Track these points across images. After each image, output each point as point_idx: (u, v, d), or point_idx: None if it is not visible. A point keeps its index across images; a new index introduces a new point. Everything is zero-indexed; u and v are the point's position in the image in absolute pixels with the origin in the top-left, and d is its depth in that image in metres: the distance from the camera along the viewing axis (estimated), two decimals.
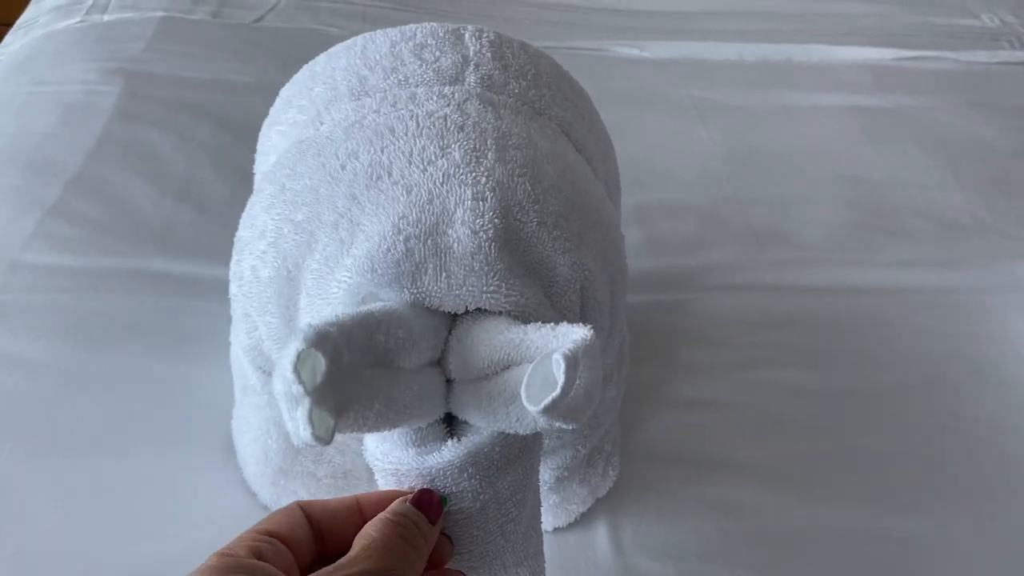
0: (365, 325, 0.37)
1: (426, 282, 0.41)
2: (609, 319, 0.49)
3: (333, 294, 0.42)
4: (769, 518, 0.60)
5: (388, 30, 0.56)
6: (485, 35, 0.55)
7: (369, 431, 0.39)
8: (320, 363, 0.34)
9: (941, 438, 0.67)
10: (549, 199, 0.45)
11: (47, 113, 0.91)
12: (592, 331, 0.38)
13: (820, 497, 0.62)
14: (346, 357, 0.36)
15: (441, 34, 0.55)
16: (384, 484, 0.43)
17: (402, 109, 0.48)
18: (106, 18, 1.09)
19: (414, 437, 0.43)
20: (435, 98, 0.49)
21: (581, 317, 0.47)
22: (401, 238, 0.41)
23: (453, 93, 0.50)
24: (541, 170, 0.46)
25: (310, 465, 0.56)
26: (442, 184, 0.43)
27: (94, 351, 0.67)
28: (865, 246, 0.85)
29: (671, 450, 0.65)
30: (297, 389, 0.33)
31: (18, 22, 1.17)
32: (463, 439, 0.42)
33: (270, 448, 0.55)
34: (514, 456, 0.43)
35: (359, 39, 0.56)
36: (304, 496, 0.56)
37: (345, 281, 0.41)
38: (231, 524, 0.56)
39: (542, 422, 0.39)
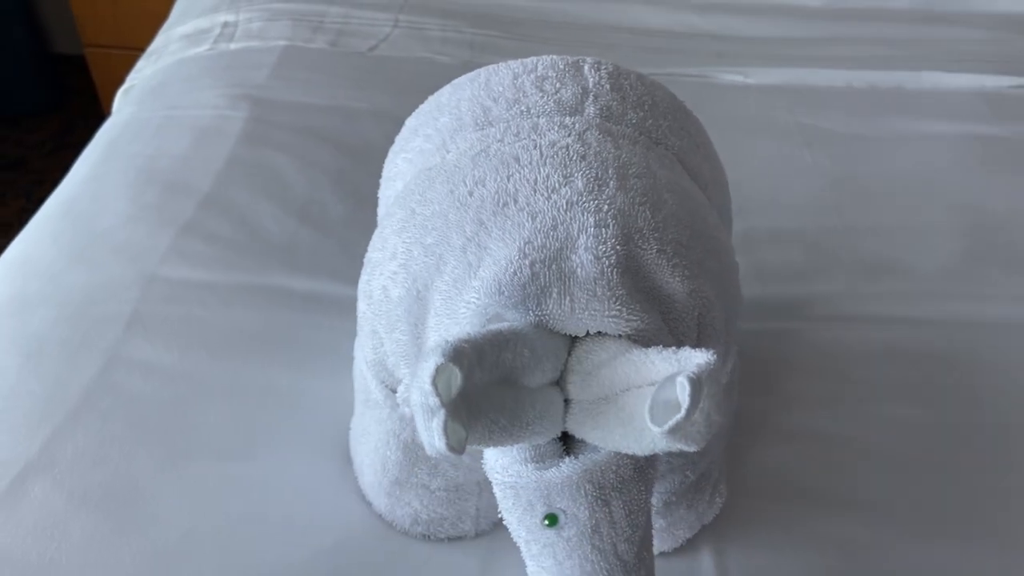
0: (494, 343, 0.39)
1: (551, 305, 0.43)
2: (724, 346, 0.50)
3: (461, 314, 0.44)
4: (882, 555, 0.60)
5: (510, 63, 0.58)
6: (604, 67, 0.57)
7: (494, 445, 0.41)
8: (456, 377, 0.36)
9: None
10: (668, 227, 0.46)
11: (180, 136, 0.98)
12: (715, 355, 0.39)
13: (936, 535, 0.61)
14: (477, 373, 0.38)
15: (561, 66, 0.57)
16: (502, 497, 0.45)
17: (525, 139, 0.51)
18: (233, 47, 1.15)
19: (533, 453, 0.45)
20: (556, 128, 0.51)
21: (698, 343, 0.48)
22: (527, 262, 0.43)
23: (574, 123, 0.52)
24: (660, 198, 0.48)
25: (425, 478, 0.58)
26: (566, 211, 0.45)
27: (223, 361, 0.71)
28: (980, 279, 0.83)
29: (778, 481, 0.65)
30: (434, 401, 0.36)
31: (149, 49, 1.25)
32: (580, 456, 0.44)
33: (388, 459, 0.58)
34: (628, 477, 0.44)
35: (483, 71, 0.58)
36: (417, 506, 0.59)
37: (473, 302, 0.44)
38: (348, 532, 0.60)
39: (663, 444, 0.40)
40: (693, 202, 0.51)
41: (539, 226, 0.45)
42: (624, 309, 0.43)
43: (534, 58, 0.58)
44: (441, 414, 0.36)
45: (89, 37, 1.83)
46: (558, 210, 0.45)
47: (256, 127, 0.99)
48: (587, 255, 0.44)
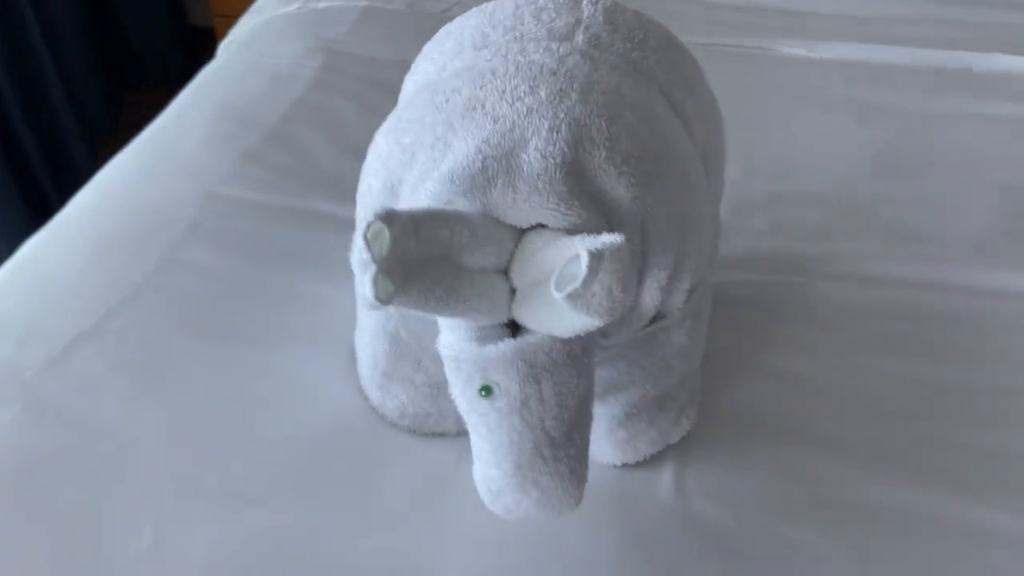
0: (433, 219, 0.44)
1: (495, 195, 0.47)
2: (673, 260, 0.53)
3: (421, 201, 0.50)
4: (843, 489, 0.61)
5: None
6: (601, 2, 0.61)
7: (431, 312, 0.46)
8: (386, 236, 0.41)
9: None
10: (622, 139, 0.50)
11: (259, 80, 1.07)
12: (623, 239, 0.43)
13: (903, 479, 0.62)
14: (412, 240, 0.43)
15: (561, 0, 0.61)
16: (448, 370, 0.50)
17: (509, 57, 0.55)
18: (319, 5, 1.24)
19: (478, 333, 0.50)
20: (542, 51, 0.56)
21: (642, 250, 0.51)
22: (480, 157, 0.48)
23: (559, 48, 0.56)
24: (619, 114, 0.51)
25: (409, 372, 0.63)
26: (526, 116, 0.49)
27: (261, 269, 0.79)
28: (1007, 253, 0.81)
29: (752, 415, 0.67)
30: (366, 255, 0.41)
31: (251, 8, 1.37)
32: (517, 338, 0.48)
33: (377, 352, 0.64)
34: (561, 361, 0.48)
35: (491, 3, 0.63)
36: (404, 400, 0.64)
37: (430, 190, 0.49)
38: (342, 419, 0.67)
39: (578, 320, 0.44)
40: (661, 126, 0.54)
41: (499, 128, 0.49)
42: (562, 204, 0.47)
43: None
44: (372, 268, 0.41)
45: (218, 8, 1.96)
46: (519, 115, 0.50)
47: (327, 76, 1.07)
48: (535, 154, 0.48)
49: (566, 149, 0.48)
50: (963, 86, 1.07)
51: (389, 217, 0.42)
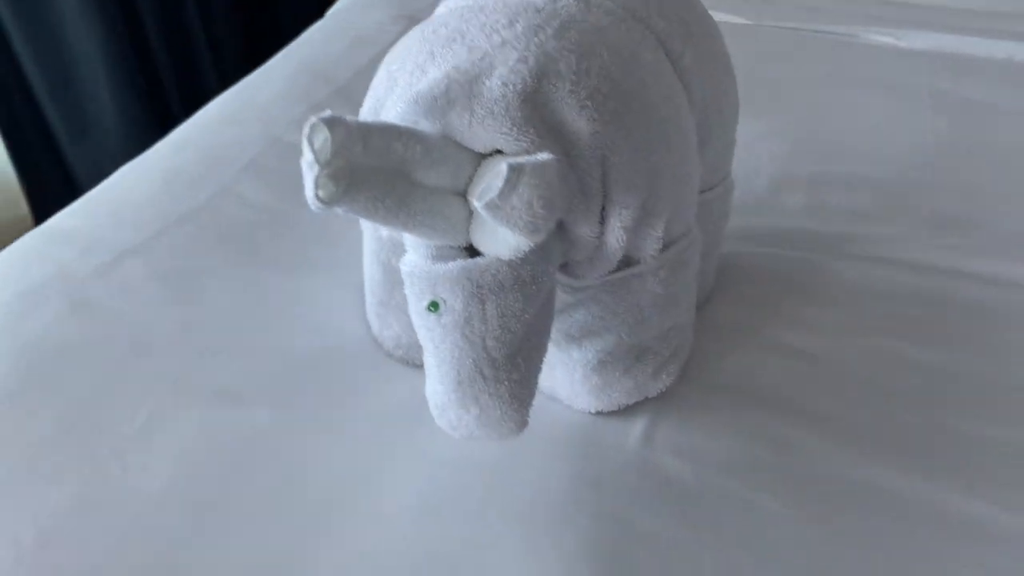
0: (385, 131, 0.47)
1: (452, 116, 0.50)
2: (641, 203, 0.54)
3: (389, 120, 0.52)
4: (819, 463, 0.60)
5: None
6: None
7: (382, 222, 0.48)
8: (327, 138, 0.44)
9: None
10: (591, 76, 0.51)
11: (341, 42, 1.14)
12: (552, 158, 0.44)
13: (888, 461, 0.59)
14: (360, 148, 0.46)
15: None
16: (405, 285, 0.53)
17: None
18: None
19: (434, 252, 0.52)
20: None
21: (603, 188, 0.52)
22: (446, 82, 0.50)
23: None
24: (593, 51, 0.52)
25: (402, 301, 0.66)
26: (499, 48, 0.51)
27: (302, 208, 0.84)
28: None
29: (745, 383, 0.66)
30: (310, 157, 0.44)
31: None
32: (467, 259, 0.50)
33: (374, 281, 0.67)
34: (507, 284, 0.50)
35: None
36: (398, 330, 0.68)
37: (397, 109, 0.52)
38: (341, 342, 0.70)
39: (508, 238, 0.46)
40: (642, 71, 0.54)
41: (471, 57, 0.51)
42: (516, 130, 0.49)
43: None
44: (315, 169, 0.45)
45: None
46: (492, 46, 0.52)
47: None
48: (497, 81, 0.50)
49: (528, 79, 0.50)
50: None
51: (333, 121, 0.45)
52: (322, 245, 0.80)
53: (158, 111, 1.62)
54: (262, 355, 0.68)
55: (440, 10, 0.65)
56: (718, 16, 1.18)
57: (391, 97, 0.55)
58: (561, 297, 0.60)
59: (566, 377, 0.64)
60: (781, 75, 1.06)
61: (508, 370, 0.51)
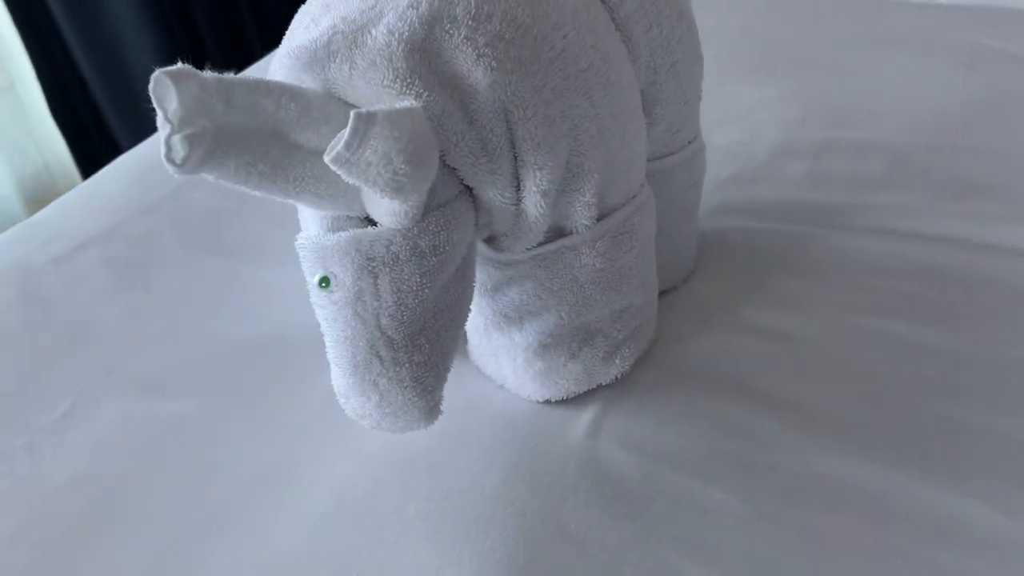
0: (252, 87, 0.42)
1: (332, 69, 0.45)
2: (560, 164, 0.48)
3: (275, 78, 0.48)
4: (782, 456, 0.52)
5: None
6: None
7: (257, 189, 0.44)
8: (173, 94, 0.40)
9: None
10: (492, 21, 0.45)
11: None
12: (415, 106, 0.39)
13: (858, 452, 0.52)
14: (222, 106, 0.42)
15: None
16: (300, 260, 0.48)
17: None
18: None
19: (330, 223, 0.48)
20: None
21: (512, 147, 0.47)
22: (331, 32, 0.46)
23: None
24: None
25: None
26: None
27: None
28: None
29: (712, 368, 0.59)
30: (160, 115, 0.40)
31: None
32: (357, 230, 0.45)
33: None
34: (403, 257, 0.45)
35: None
36: None
37: (280, 63, 0.47)
38: (287, 333, 0.66)
39: (382, 203, 0.41)
40: (558, 15, 0.48)
41: (363, 6, 0.47)
42: (400, 82, 0.44)
43: None
44: (167, 128, 0.40)
45: None
46: None
47: None
48: (383, 30, 0.45)
49: (417, 26, 0.45)
50: None
51: (181, 75, 0.40)
52: (286, 231, 0.77)
53: None
54: (201, 344, 0.65)
55: None
56: None
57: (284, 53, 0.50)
58: (491, 273, 0.55)
59: (509, 363, 0.58)
60: (800, 38, 0.98)
61: (408, 351, 0.46)
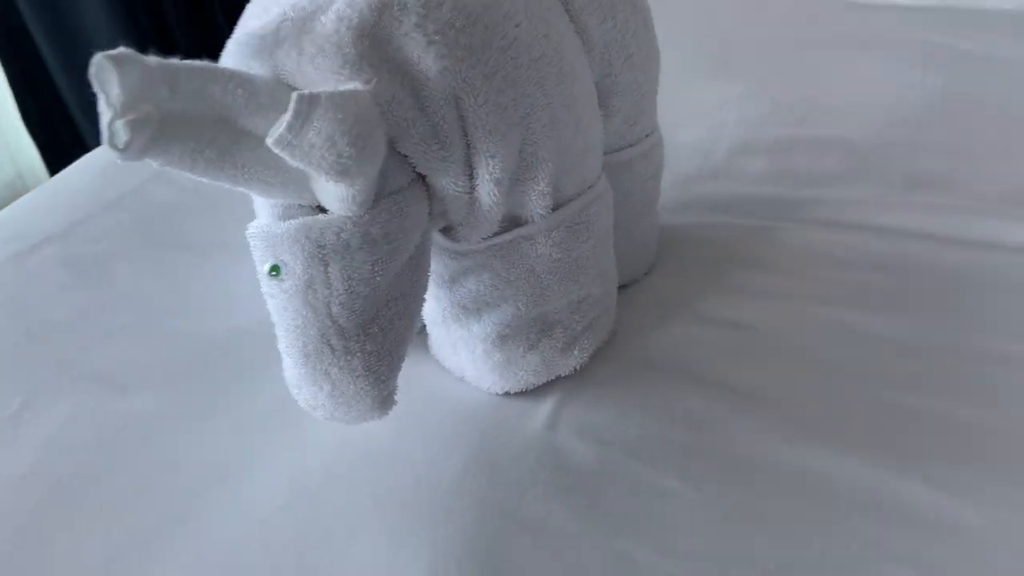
0: (198, 73, 0.42)
1: (280, 55, 0.45)
2: (514, 152, 0.48)
3: (224, 64, 0.48)
4: (737, 443, 0.52)
5: None
6: None
7: (206, 176, 0.43)
8: (115, 78, 0.40)
9: (1020, 418, 0.51)
10: (442, 9, 0.45)
11: None
12: (360, 90, 0.39)
13: (813, 439, 0.52)
14: (165, 92, 0.41)
15: None
16: (251, 249, 0.48)
17: None
18: None
19: (281, 212, 0.48)
20: None
21: (464, 134, 0.47)
22: (280, 19, 0.45)
23: None
24: None
25: None
26: None
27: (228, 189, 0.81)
28: None
29: (666, 360, 0.59)
30: (102, 99, 0.40)
31: None
32: (307, 217, 0.45)
33: None
34: (354, 245, 0.45)
35: None
36: None
37: (228, 51, 0.47)
38: (248, 328, 0.66)
39: (328, 187, 0.41)
40: (510, 4, 0.48)
41: None
42: (348, 68, 0.44)
43: None
44: (108, 114, 0.40)
45: None
46: None
47: None
48: (332, 16, 0.45)
49: (367, 12, 0.45)
50: None
51: (124, 59, 0.40)
52: (242, 225, 0.76)
53: None
54: (159, 340, 0.65)
55: None
56: None
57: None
58: (448, 264, 0.55)
59: (468, 355, 0.58)
60: (762, 38, 0.99)
61: (360, 340, 0.46)
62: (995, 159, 0.73)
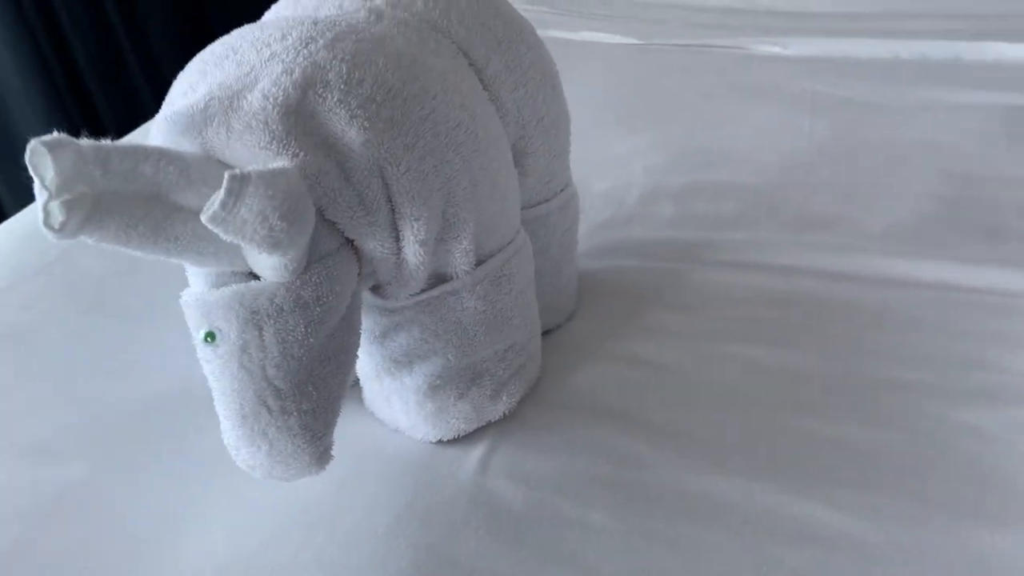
0: (129, 153, 0.44)
1: (209, 133, 0.47)
2: (436, 215, 0.51)
3: (153, 143, 0.50)
4: (658, 474, 0.56)
5: None
6: None
7: (140, 250, 0.45)
8: (48, 162, 0.42)
9: (910, 439, 0.57)
10: (364, 85, 0.49)
11: None
12: (287, 167, 0.42)
13: (725, 468, 0.56)
14: (99, 172, 0.43)
15: None
16: (185, 316, 0.50)
17: (297, 13, 0.55)
18: None
19: (214, 279, 0.50)
20: (330, 7, 0.56)
21: (388, 200, 0.50)
22: (207, 98, 0.48)
23: (352, 4, 0.56)
24: (368, 60, 0.50)
25: None
26: (267, 61, 0.49)
27: None
28: (935, 241, 0.74)
29: (591, 399, 0.63)
30: (38, 182, 0.42)
31: None
32: (239, 284, 0.47)
33: None
34: (287, 308, 0.47)
35: None
36: None
37: (158, 129, 0.49)
38: (184, 389, 0.66)
39: (262, 258, 0.44)
40: (426, 77, 0.51)
41: (238, 72, 0.49)
42: (276, 143, 0.47)
43: None
44: (44, 195, 0.42)
45: None
46: (261, 61, 0.49)
47: None
48: (258, 94, 0.48)
49: (291, 91, 0.48)
50: (941, 77, 1.00)
51: (57, 144, 0.42)
52: (175, 288, 0.78)
53: None
54: (91, 406, 0.65)
55: None
56: (609, 38, 1.19)
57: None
58: (379, 320, 0.58)
59: (402, 406, 0.61)
60: (668, 91, 1.05)
61: (296, 400, 0.48)
62: (877, 198, 0.80)
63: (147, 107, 1.67)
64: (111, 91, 1.63)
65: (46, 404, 0.65)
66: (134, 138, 1.06)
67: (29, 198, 1.02)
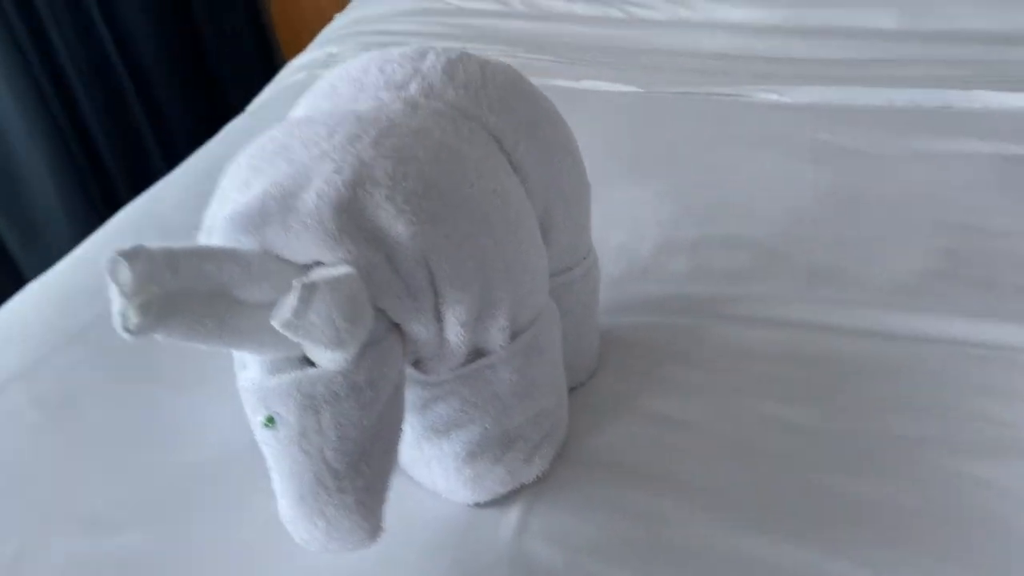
0: (194, 255, 0.48)
1: (268, 233, 0.51)
2: (476, 298, 0.54)
3: (215, 241, 0.53)
4: (687, 533, 0.60)
5: (374, 52, 0.66)
6: (446, 53, 0.64)
7: (207, 343, 0.49)
8: (126, 271, 0.45)
9: (932, 494, 0.60)
10: (408, 179, 0.52)
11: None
12: (349, 272, 0.45)
13: (754, 526, 0.59)
14: (168, 275, 0.47)
15: (409, 53, 0.64)
16: (243, 401, 0.53)
17: (337, 107, 0.59)
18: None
19: (271, 366, 0.53)
20: (368, 100, 0.59)
21: (432, 286, 0.53)
22: (263, 198, 0.51)
23: (388, 96, 0.59)
24: (411, 155, 0.53)
25: None
26: (318, 160, 0.52)
27: None
28: (937, 294, 0.78)
29: (616, 457, 0.66)
30: (114, 289, 0.45)
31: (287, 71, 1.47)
32: (298, 371, 0.51)
33: None
34: (343, 393, 0.50)
35: (354, 59, 0.67)
36: None
37: (219, 229, 0.53)
38: (230, 454, 0.69)
39: (323, 352, 0.47)
40: (463, 167, 0.55)
41: (291, 171, 0.52)
42: (330, 240, 0.50)
43: (395, 48, 0.66)
44: (120, 301, 0.45)
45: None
46: (312, 159, 0.53)
47: None
48: (312, 194, 0.51)
49: (343, 189, 0.51)
50: (935, 125, 1.03)
51: (134, 254, 0.45)
52: (206, 357, 0.80)
53: (109, 206, 1.65)
54: (140, 475, 0.68)
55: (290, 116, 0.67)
56: (610, 87, 1.23)
57: (219, 215, 0.55)
58: (420, 393, 0.61)
59: (441, 472, 0.64)
60: (669, 139, 1.09)
61: (352, 479, 0.51)
62: (879, 250, 0.84)
63: (148, 145, 1.70)
64: (112, 132, 1.67)
65: (97, 475, 0.68)
66: (145, 203, 1.09)
67: (34, 237, 1.04)
